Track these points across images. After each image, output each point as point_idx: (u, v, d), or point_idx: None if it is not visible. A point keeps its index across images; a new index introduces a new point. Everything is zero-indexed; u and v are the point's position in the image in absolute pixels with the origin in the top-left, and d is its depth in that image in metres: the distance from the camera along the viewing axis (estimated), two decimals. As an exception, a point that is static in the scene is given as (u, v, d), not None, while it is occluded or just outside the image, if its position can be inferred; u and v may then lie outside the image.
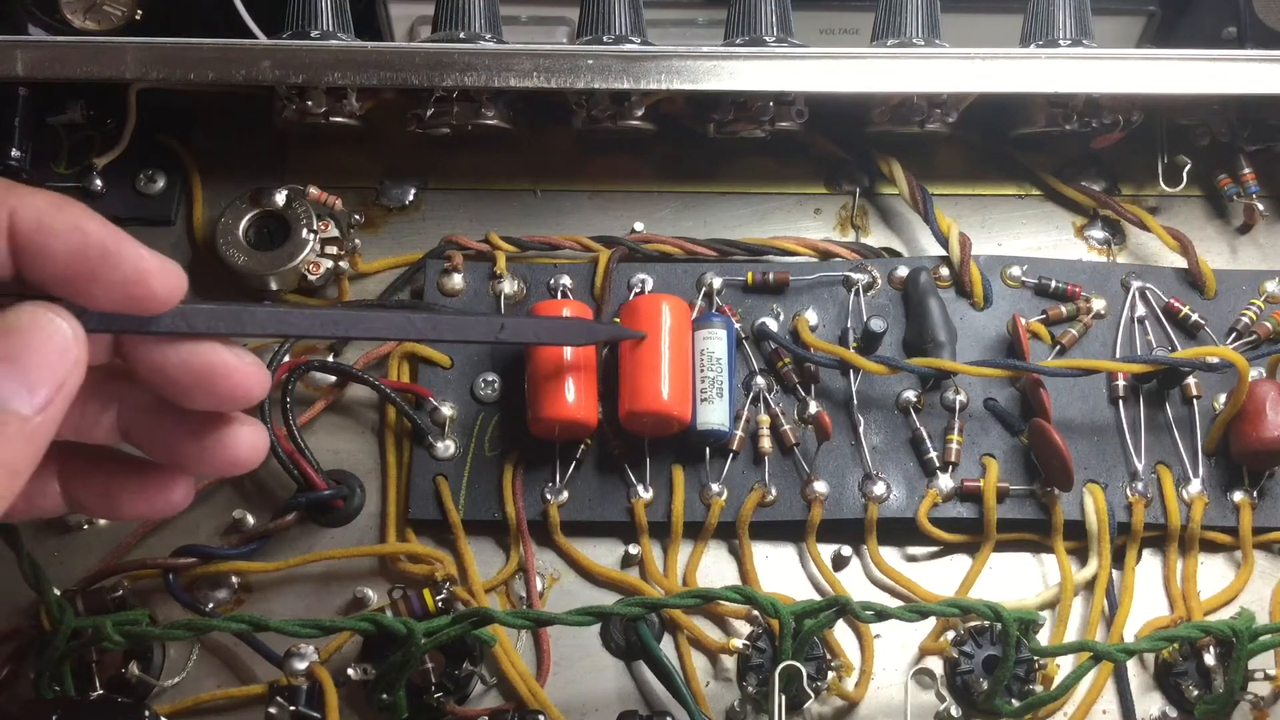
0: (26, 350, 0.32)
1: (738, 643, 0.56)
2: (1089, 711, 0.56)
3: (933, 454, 0.59)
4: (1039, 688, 0.56)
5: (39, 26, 0.65)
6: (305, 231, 0.63)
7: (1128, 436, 0.60)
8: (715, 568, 0.60)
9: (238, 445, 0.37)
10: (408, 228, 0.67)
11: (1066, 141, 0.67)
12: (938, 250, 0.64)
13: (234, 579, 0.58)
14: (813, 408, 0.60)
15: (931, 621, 0.57)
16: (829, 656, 0.56)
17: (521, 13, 0.68)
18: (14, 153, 0.64)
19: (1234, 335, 0.62)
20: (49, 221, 0.33)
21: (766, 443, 0.59)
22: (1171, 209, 0.68)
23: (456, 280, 0.63)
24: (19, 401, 0.31)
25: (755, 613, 0.57)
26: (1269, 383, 0.59)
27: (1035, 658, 0.55)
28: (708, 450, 0.59)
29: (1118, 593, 0.59)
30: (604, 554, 0.60)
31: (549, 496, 0.59)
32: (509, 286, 0.63)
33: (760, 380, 0.61)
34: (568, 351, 0.57)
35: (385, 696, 0.53)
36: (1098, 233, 0.67)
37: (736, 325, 0.61)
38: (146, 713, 0.52)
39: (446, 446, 0.60)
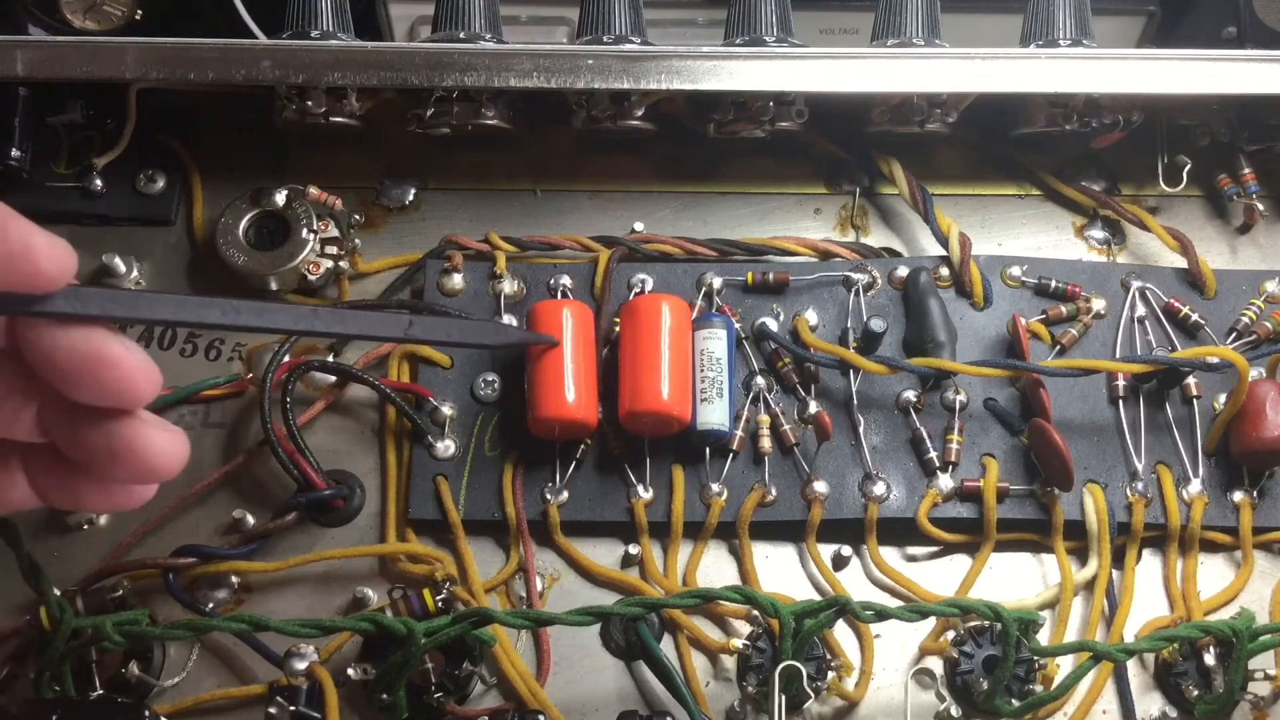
0: None
1: (738, 643, 0.56)
2: (1089, 711, 0.56)
3: (933, 454, 0.59)
4: (1039, 688, 0.56)
5: (39, 26, 0.65)
6: (305, 231, 0.63)
7: (1128, 436, 0.60)
8: (715, 568, 0.60)
9: (149, 451, 0.36)
10: (408, 228, 0.67)
11: (1066, 141, 0.67)
12: (938, 250, 0.64)
13: (234, 579, 0.58)
14: (813, 408, 0.60)
15: (931, 621, 0.57)
16: (829, 656, 0.56)
17: (521, 13, 0.68)
18: (14, 153, 0.64)
19: (1234, 335, 0.62)
20: None
21: (766, 443, 0.59)
22: (1171, 209, 0.68)
23: (456, 280, 0.63)
24: None
25: (755, 613, 0.57)
26: (1269, 383, 0.59)
27: (1035, 658, 0.55)
28: (708, 450, 0.59)
29: (1118, 593, 0.59)
30: (604, 554, 0.60)
31: (549, 496, 0.59)
32: (509, 286, 0.63)
33: (760, 380, 0.61)
34: (567, 351, 0.57)
35: (385, 696, 0.53)
36: (1098, 233, 0.67)
37: (736, 325, 0.61)
38: (146, 713, 0.52)
39: (446, 446, 0.60)
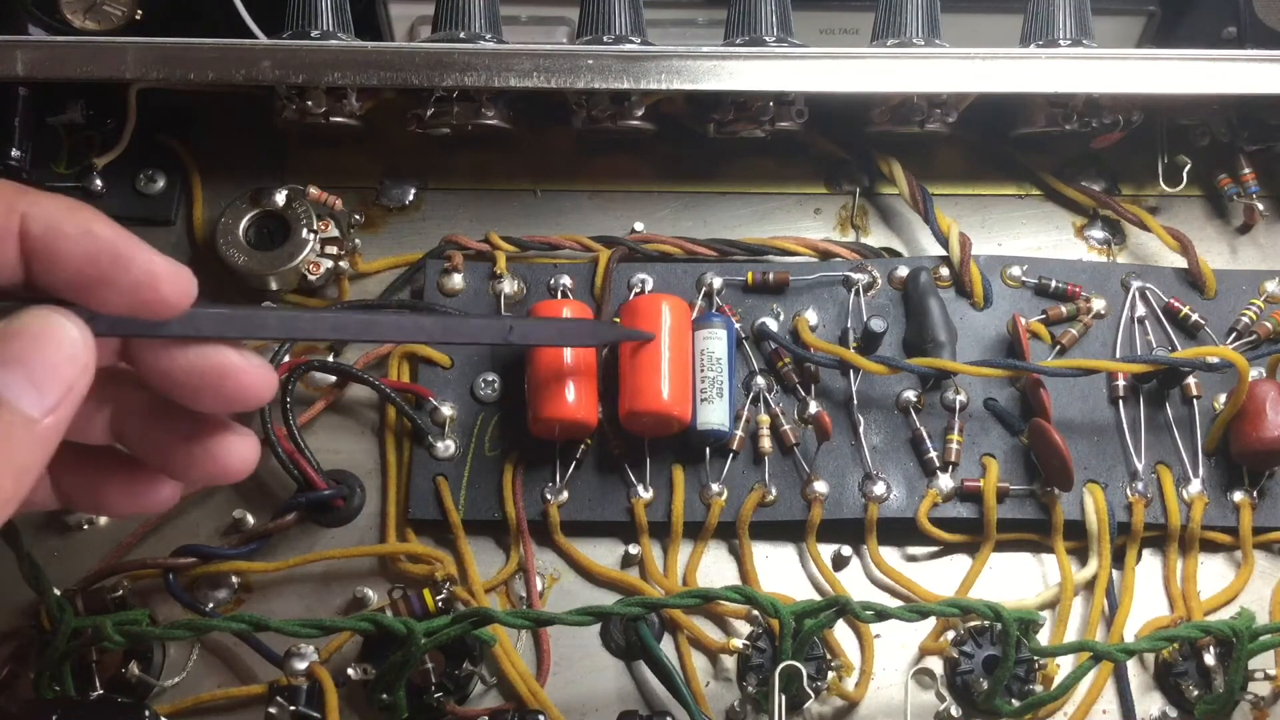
0: (36, 354, 0.32)
1: (738, 643, 0.56)
2: (1089, 711, 0.56)
3: (933, 454, 0.59)
4: (1039, 688, 0.56)
5: (39, 26, 0.65)
6: (305, 231, 0.63)
7: (1128, 436, 0.60)
8: (715, 568, 0.60)
9: (228, 455, 0.37)
10: (408, 228, 0.67)
11: (1066, 141, 0.67)
12: (938, 250, 0.64)
13: (234, 579, 0.58)
14: (813, 408, 0.60)
15: (931, 621, 0.57)
16: (829, 656, 0.56)
17: (521, 13, 0.68)
18: (14, 153, 0.64)
19: (1234, 335, 0.62)
20: (60, 225, 0.33)
21: (766, 443, 0.59)
22: (1171, 209, 0.68)
23: (456, 280, 0.63)
24: (28, 403, 0.31)
25: (755, 613, 0.57)
26: (1269, 383, 0.59)
27: (1035, 658, 0.55)
28: (708, 450, 0.59)
29: (1118, 593, 0.59)
30: (604, 554, 0.60)
31: (549, 496, 0.59)
32: (509, 286, 0.63)
33: (760, 380, 0.61)
34: (568, 351, 0.57)
35: (385, 696, 0.53)
36: (1098, 233, 0.67)
37: (736, 325, 0.61)
38: (146, 713, 0.52)
39: (446, 446, 0.60)
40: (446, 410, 0.60)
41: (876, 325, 0.60)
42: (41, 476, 0.38)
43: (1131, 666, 0.58)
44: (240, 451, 0.38)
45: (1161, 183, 0.67)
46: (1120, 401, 0.61)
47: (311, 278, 0.63)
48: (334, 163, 0.67)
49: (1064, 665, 0.57)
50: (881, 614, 0.53)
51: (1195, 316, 0.62)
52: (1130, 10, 0.69)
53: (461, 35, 0.61)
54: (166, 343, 0.35)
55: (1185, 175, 0.67)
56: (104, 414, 0.38)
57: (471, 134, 0.65)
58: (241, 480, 0.38)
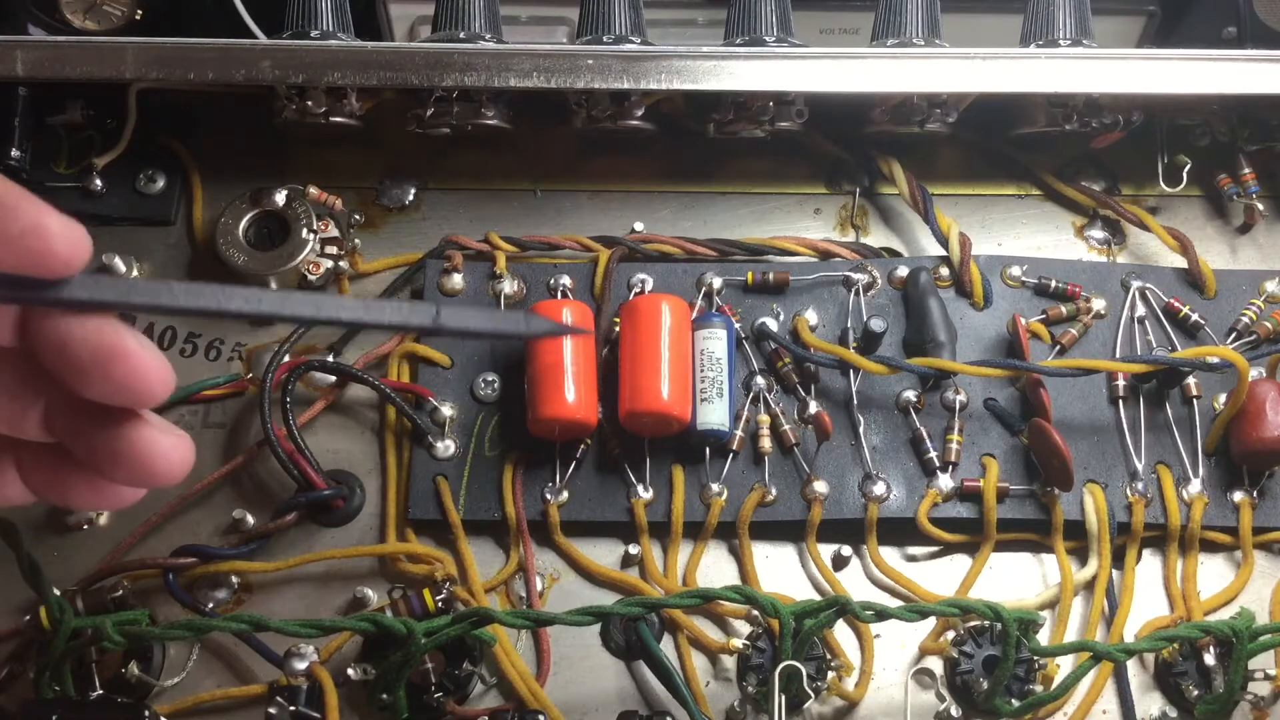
0: None
1: (738, 643, 0.56)
2: (1089, 711, 0.56)
3: (933, 454, 0.59)
4: (1039, 688, 0.56)
5: (39, 26, 0.65)
6: (305, 231, 0.63)
7: (1128, 436, 0.60)
8: (715, 568, 0.60)
9: (153, 455, 0.35)
10: (408, 228, 0.67)
11: (1066, 141, 0.67)
12: (938, 250, 0.64)
13: (234, 579, 0.58)
14: (813, 408, 0.60)
15: (931, 621, 0.57)
16: (829, 656, 0.56)
17: (521, 13, 0.68)
18: (14, 153, 0.64)
19: (1234, 335, 0.62)
20: None
21: (766, 443, 0.59)
22: (1171, 209, 0.68)
23: (456, 280, 0.63)
24: None
25: (755, 613, 0.57)
26: (1269, 383, 0.59)
27: (1035, 658, 0.55)
28: (708, 450, 0.59)
29: (1118, 593, 0.59)
30: (604, 554, 0.60)
31: (549, 496, 0.59)
32: (509, 286, 0.63)
33: (760, 380, 0.61)
34: (568, 351, 0.57)
35: (385, 696, 0.53)
36: (1098, 233, 0.67)
37: (736, 325, 0.61)
38: (146, 713, 0.52)
39: (446, 446, 0.60)
40: (446, 410, 0.60)
41: (876, 325, 0.60)
42: (9, 471, 0.37)
43: (1131, 666, 0.58)
44: (167, 452, 0.36)
45: (1161, 183, 0.67)
46: (1120, 401, 0.61)
47: (311, 278, 0.63)
48: (334, 163, 0.67)
49: (1064, 665, 0.57)
50: (881, 614, 0.53)
51: (1195, 316, 0.62)
52: (1130, 10, 0.69)
53: (461, 35, 0.61)
54: (62, 313, 0.33)
55: (1185, 175, 0.67)
56: (38, 408, 0.36)
57: (471, 134, 0.65)
58: (175, 483, 0.37)
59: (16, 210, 0.32)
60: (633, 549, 0.59)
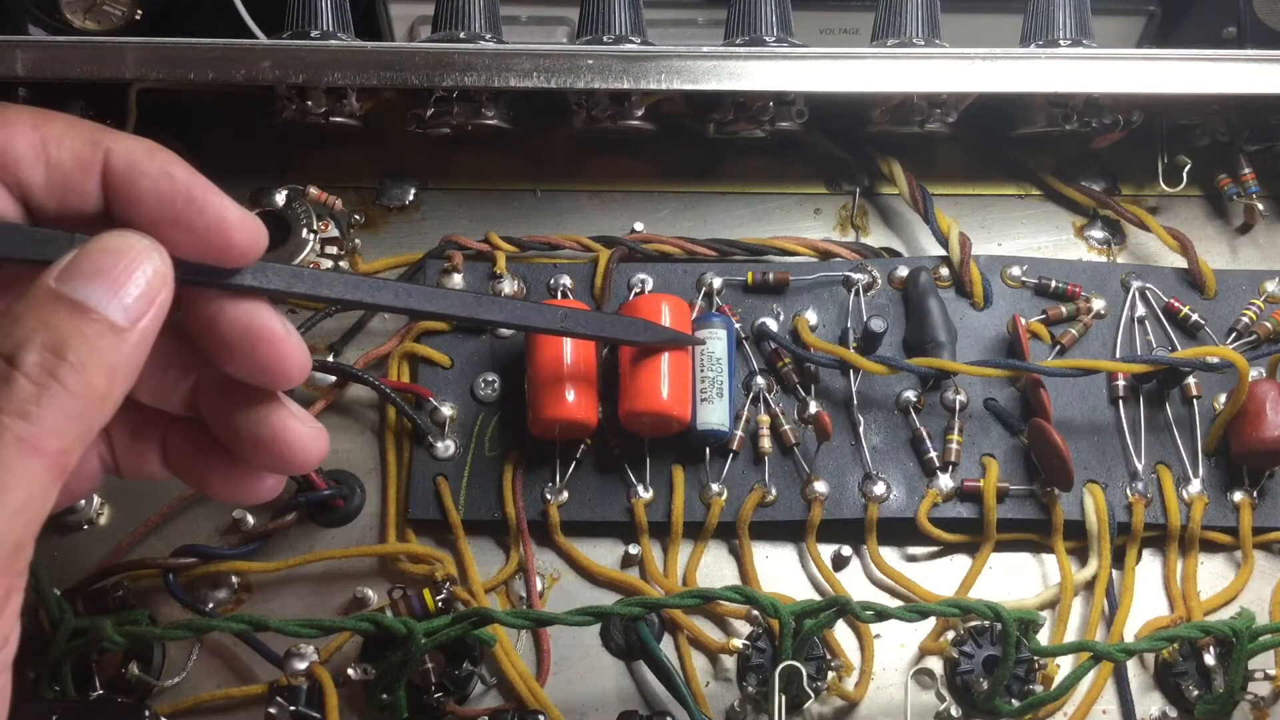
0: (119, 267, 0.33)
1: (738, 643, 0.56)
2: (1089, 711, 0.56)
3: (933, 454, 0.59)
4: (1039, 688, 0.56)
5: (39, 26, 0.65)
6: (305, 231, 0.63)
7: (1128, 436, 0.60)
8: (715, 568, 0.60)
9: (290, 440, 0.38)
10: (408, 228, 0.67)
11: (1066, 141, 0.67)
12: (938, 250, 0.64)
13: (234, 579, 0.58)
14: (813, 408, 0.60)
15: (931, 621, 0.57)
16: (829, 656, 0.56)
17: (521, 13, 0.68)
18: (14, 153, 0.64)
19: (1234, 335, 0.62)
20: (140, 163, 0.34)
21: (766, 443, 0.59)
22: (1171, 209, 0.68)
23: (456, 280, 0.63)
24: (113, 311, 0.32)
25: (755, 613, 0.57)
26: (1269, 383, 0.59)
27: (1035, 658, 0.55)
28: (708, 450, 0.59)
29: (1118, 593, 0.59)
30: (604, 554, 0.60)
31: (549, 496, 0.59)
32: (509, 286, 0.63)
33: (760, 380, 0.61)
34: (568, 351, 0.57)
35: (385, 696, 0.53)
36: (1098, 233, 0.67)
37: (736, 325, 0.61)
38: (146, 713, 0.52)
39: (446, 446, 0.60)
40: (446, 410, 0.60)
41: (876, 325, 0.60)
42: (155, 448, 0.39)
43: (1131, 666, 0.58)
44: (304, 440, 0.38)
45: (1161, 183, 0.67)
46: (1120, 401, 0.61)
47: (311, 278, 0.63)
48: (334, 163, 0.67)
49: (1064, 665, 0.57)
50: (881, 614, 0.53)
51: (1195, 316, 0.62)
52: (1130, 10, 0.69)
53: (461, 35, 0.61)
54: (218, 293, 0.36)
55: (1185, 175, 0.67)
56: (187, 384, 0.38)
57: (471, 134, 0.65)
58: (305, 472, 0.39)
59: (205, 204, 0.34)
60: (633, 549, 0.59)
